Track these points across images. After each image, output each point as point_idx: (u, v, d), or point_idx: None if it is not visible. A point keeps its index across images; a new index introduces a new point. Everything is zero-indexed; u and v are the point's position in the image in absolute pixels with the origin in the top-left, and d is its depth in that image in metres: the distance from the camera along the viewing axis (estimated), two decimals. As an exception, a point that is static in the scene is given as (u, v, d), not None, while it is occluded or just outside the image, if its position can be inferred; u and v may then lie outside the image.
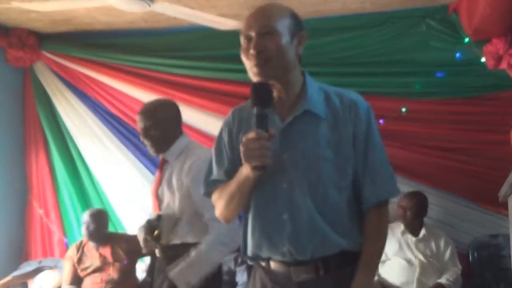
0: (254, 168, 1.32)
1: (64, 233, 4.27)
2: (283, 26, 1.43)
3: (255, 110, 1.34)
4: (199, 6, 3.61)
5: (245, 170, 1.37)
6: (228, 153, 1.53)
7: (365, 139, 1.44)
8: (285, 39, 1.42)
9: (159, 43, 4.12)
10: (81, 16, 3.83)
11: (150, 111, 2.30)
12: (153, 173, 4.11)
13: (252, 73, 1.43)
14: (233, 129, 1.53)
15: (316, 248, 1.39)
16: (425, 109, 3.61)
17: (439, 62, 3.63)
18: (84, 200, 4.26)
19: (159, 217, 2.21)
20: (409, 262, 3.25)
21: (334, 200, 1.40)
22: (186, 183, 2.17)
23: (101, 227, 3.60)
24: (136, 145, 4.15)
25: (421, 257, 3.25)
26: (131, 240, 3.75)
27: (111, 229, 3.96)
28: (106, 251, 3.59)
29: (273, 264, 1.46)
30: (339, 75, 3.71)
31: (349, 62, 3.71)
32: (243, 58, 1.45)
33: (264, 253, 1.45)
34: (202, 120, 3.96)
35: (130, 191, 4.18)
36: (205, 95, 3.93)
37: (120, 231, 4.13)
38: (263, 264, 1.49)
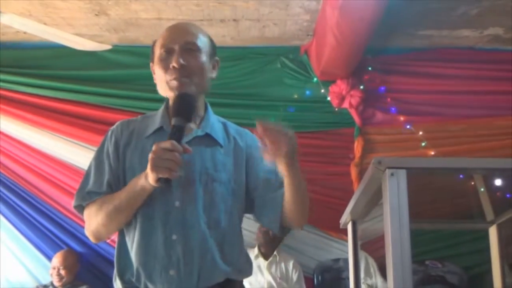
0: (159, 180, 1.24)
1: None
2: (205, 46, 1.44)
3: (173, 121, 1.29)
4: (53, 23, 3.40)
5: (143, 181, 1.28)
6: (112, 165, 1.42)
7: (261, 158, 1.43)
8: (205, 59, 1.43)
9: (3, 57, 3.78)
10: None
11: None
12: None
13: (169, 87, 1.39)
14: (120, 141, 1.44)
15: (203, 273, 1.33)
16: (278, 141, 3.82)
17: (291, 98, 3.90)
18: None
19: None
20: (259, 284, 3.37)
21: (226, 224, 1.38)
22: None
23: None
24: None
25: (270, 279, 3.41)
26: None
27: None
28: None
29: None
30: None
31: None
32: (157, 69, 1.41)
33: (145, 280, 1.33)
34: (46, 142, 3.70)
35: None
36: (54, 116, 3.69)
37: None
38: None
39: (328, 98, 3.83)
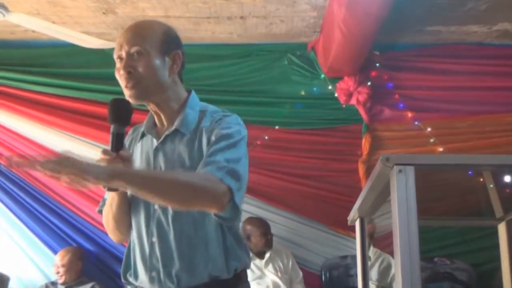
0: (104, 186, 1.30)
1: None
2: (154, 45, 1.39)
3: (111, 128, 1.32)
4: (61, 21, 3.42)
5: None
6: None
7: (214, 141, 1.36)
8: (156, 58, 1.38)
9: (13, 56, 3.81)
10: None
11: None
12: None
13: (125, 95, 1.39)
14: (126, 147, 1.47)
15: (183, 275, 1.34)
16: (285, 138, 3.83)
17: (298, 95, 3.90)
18: None
19: None
20: (262, 283, 3.38)
21: (203, 221, 1.37)
22: None
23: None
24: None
25: (272, 276, 3.41)
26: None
27: None
28: None
29: None
30: (204, 101, 3.77)
31: (215, 90, 3.80)
32: (118, 78, 1.42)
33: (136, 280, 1.41)
34: (60, 141, 3.70)
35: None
36: (65, 115, 3.70)
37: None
38: None
39: (336, 95, 3.82)
